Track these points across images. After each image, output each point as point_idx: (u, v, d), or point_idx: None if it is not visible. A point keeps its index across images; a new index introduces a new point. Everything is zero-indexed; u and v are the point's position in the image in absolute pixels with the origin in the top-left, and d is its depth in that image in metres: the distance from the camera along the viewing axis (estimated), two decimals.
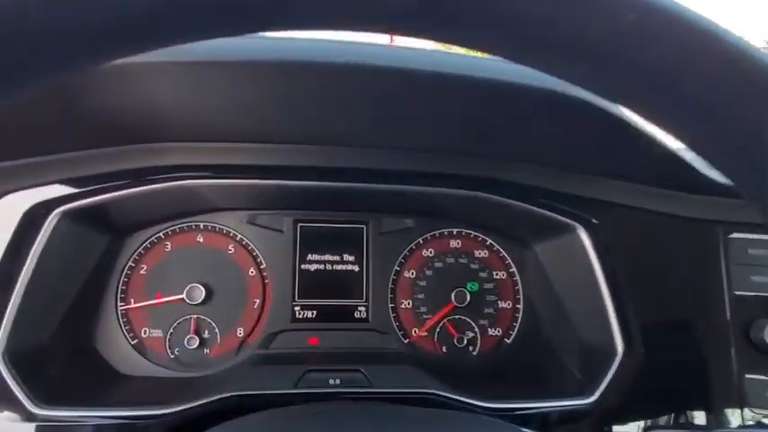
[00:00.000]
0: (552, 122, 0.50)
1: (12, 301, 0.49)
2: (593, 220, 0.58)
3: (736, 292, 0.58)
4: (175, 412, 0.49)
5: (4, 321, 0.49)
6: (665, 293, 0.60)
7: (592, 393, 0.55)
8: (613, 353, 0.55)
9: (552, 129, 0.51)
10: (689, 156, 0.55)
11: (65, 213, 0.52)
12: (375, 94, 0.46)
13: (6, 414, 0.48)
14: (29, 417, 0.47)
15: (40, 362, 0.52)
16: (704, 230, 0.60)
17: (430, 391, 0.54)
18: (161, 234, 0.65)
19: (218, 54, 0.40)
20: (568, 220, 0.58)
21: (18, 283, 0.50)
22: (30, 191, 0.51)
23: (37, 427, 0.48)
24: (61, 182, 0.52)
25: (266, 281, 0.66)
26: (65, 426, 0.49)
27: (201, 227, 0.66)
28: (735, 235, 0.59)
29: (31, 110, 0.42)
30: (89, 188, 0.52)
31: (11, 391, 0.47)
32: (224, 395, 0.50)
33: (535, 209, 0.58)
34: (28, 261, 0.50)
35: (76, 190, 0.52)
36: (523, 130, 0.53)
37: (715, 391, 0.57)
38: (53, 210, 0.51)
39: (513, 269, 0.71)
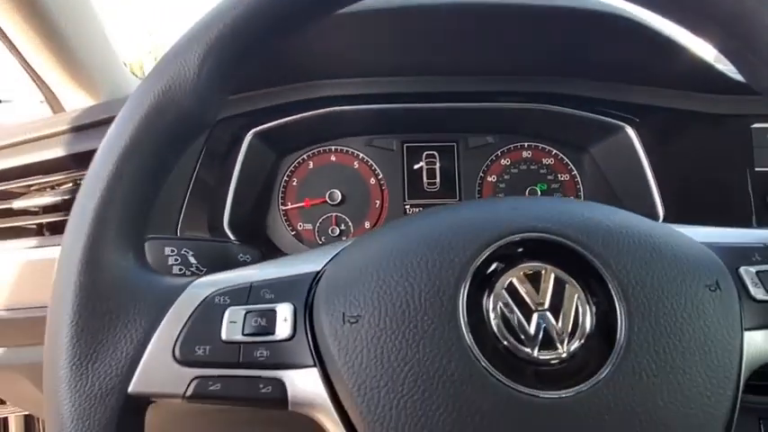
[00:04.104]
0: (606, 42, 0.67)
1: (230, 191, 0.75)
2: (636, 119, 0.75)
3: (757, 169, 0.73)
4: None
5: (227, 204, 0.74)
6: (700, 179, 0.76)
7: None
8: None
9: (606, 48, 0.69)
10: (719, 63, 0.71)
11: (255, 134, 0.77)
12: (468, 29, 0.66)
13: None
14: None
15: (243, 233, 0.78)
16: (731, 124, 0.75)
17: None
18: (304, 156, 0.89)
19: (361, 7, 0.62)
20: (617, 121, 0.76)
21: (232, 182, 0.75)
22: (235, 118, 0.75)
23: None
24: (253, 112, 0.77)
25: (383, 188, 0.89)
26: None
27: (334, 149, 0.89)
28: (756, 125, 0.74)
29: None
30: (268, 115, 0.77)
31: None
32: None
33: (590, 114, 0.77)
34: (236, 167, 0.76)
35: (261, 118, 0.77)
36: (581, 51, 0.71)
37: None
38: (249, 130, 0.76)
39: (575, 172, 0.88)
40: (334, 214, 0.88)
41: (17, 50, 0.68)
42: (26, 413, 1.15)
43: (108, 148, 0.32)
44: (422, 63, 0.75)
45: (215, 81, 0.34)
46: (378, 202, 0.89)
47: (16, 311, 0.62)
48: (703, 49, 0.70)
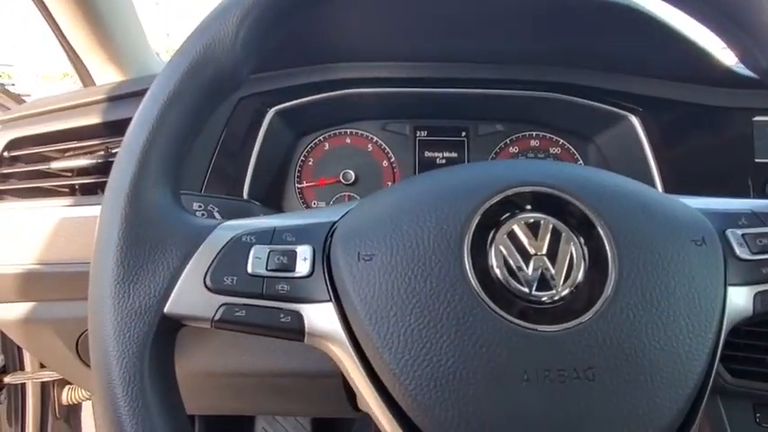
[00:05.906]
0: (613, 33, 0.70)
1: (250, 166, 0.78)
2: (640, 109, 0.78)
3: (757, 160, 0.76)
4: None
5: (247, 178, 0.78)
6: (701, 169, 0.78)
7: None
8: None
9: (613, 39, 0.72)
10: (723, 55, 0.74)
11: (276, 112, 0.81)
12: (480, 17, 0.69)
13: None
14: None
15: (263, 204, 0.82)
16: (734, 116, 0.78)
17: None
18: (321, 137, 0.93)
19: None
20: (621, 111, 0.79)
21: (252, 157, 0.79)
22: (258, 95, 0.79)
23: None
24: (275, 91, 0.80)
25: (395, 170, 0.92)
26: None
27: (349, 132, 0.93)
28: (758, 118, 0.77)
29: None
30: (289, 95, 0.81)
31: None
32: None
33: (594, 103, 0.80)
34: (257, 143, 0.79)
35: (282, 96, 0.81)
36: (589, 41, 0.74)
37: None
38: (270, 108, 0.80)
39: (581, 161, 0.92)
40: (347, 193, 0.92)
41: (56, 24, 0.73)
42: (42, 380, 1.19)
43: (154, 97, 0.36)
44: (435, 49, 0.79)
45: (250, 43, 0.38)
46: (389, 183, 0.92)
47: (48, 266, 0.66)
48: (709, 42, 0.73)
